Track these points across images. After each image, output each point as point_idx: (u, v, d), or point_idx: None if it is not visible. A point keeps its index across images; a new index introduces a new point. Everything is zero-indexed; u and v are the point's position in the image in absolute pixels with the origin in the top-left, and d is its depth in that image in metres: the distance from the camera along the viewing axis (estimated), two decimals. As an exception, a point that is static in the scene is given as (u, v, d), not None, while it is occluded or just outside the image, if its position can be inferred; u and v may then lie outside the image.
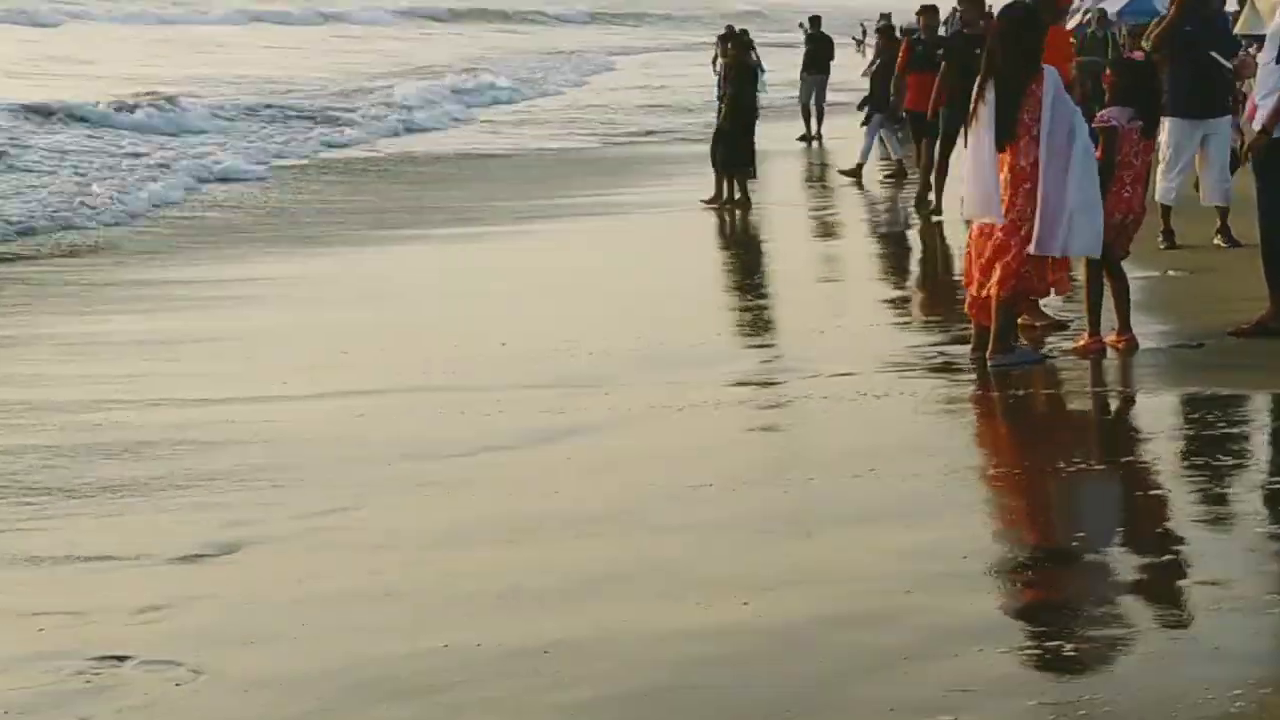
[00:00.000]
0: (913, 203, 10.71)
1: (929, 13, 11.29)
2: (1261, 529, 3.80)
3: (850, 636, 3.21)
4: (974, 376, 5.72)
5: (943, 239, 9.78)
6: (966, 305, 5.89)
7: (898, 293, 8.43)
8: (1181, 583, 3.46)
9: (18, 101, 17.07)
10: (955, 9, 11.29)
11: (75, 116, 16.66)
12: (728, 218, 11.36)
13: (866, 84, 14.21)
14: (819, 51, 16.82)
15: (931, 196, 10.20)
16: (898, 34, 14.02)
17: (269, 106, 20.00)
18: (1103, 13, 15.61)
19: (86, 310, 7.85)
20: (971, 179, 5.66)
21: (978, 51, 9.00)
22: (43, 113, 16.57)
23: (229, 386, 5.83)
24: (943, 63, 9.79)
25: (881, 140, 13.12)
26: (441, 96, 22.93)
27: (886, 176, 13.25)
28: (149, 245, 10.47)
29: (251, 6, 48.62)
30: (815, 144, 16.55)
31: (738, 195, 11.34)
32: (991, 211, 5.53)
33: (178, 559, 3.79)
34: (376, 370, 6.07)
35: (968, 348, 5.90)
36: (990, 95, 5.52)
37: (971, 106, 5.68)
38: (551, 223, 11.28)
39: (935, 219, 10.10)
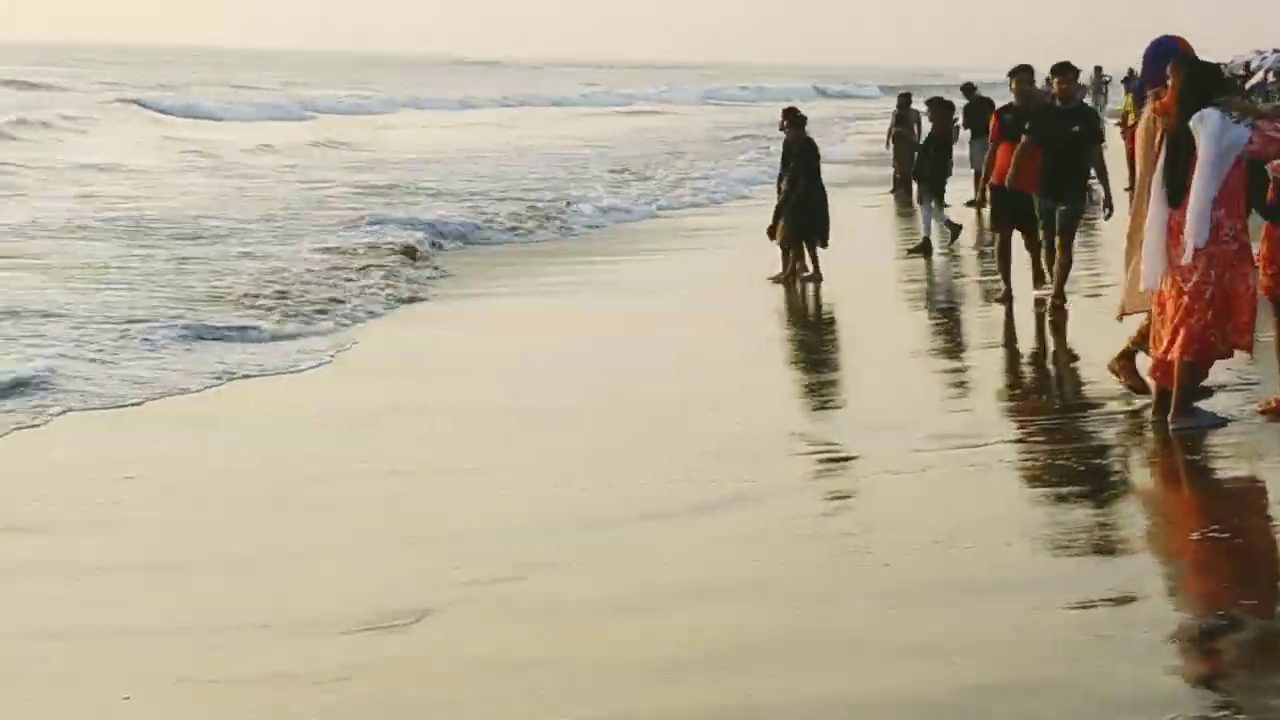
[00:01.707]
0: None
1: (1022, 75, 9.70)
2: None
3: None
4: (1155, 438, 5.71)
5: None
6: (1150, 369, 5.81)
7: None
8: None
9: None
10: (1046, 78, 9.58)
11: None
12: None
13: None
14: (980, 115, 16.16)
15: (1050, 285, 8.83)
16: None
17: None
18: None
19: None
20: (1150, 248, 5.56)
21: (1075, 129, 8.58)
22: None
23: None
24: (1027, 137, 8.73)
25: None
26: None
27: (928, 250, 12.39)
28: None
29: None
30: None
31: (807, 268, 10.84)
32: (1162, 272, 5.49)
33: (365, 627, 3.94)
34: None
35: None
36: (1163, 154, 5.46)
37: (1143, 174, 5.68)
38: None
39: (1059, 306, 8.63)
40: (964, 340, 9.00)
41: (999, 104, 10.75)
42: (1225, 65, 9.10)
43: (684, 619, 3.93)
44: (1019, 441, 5.98)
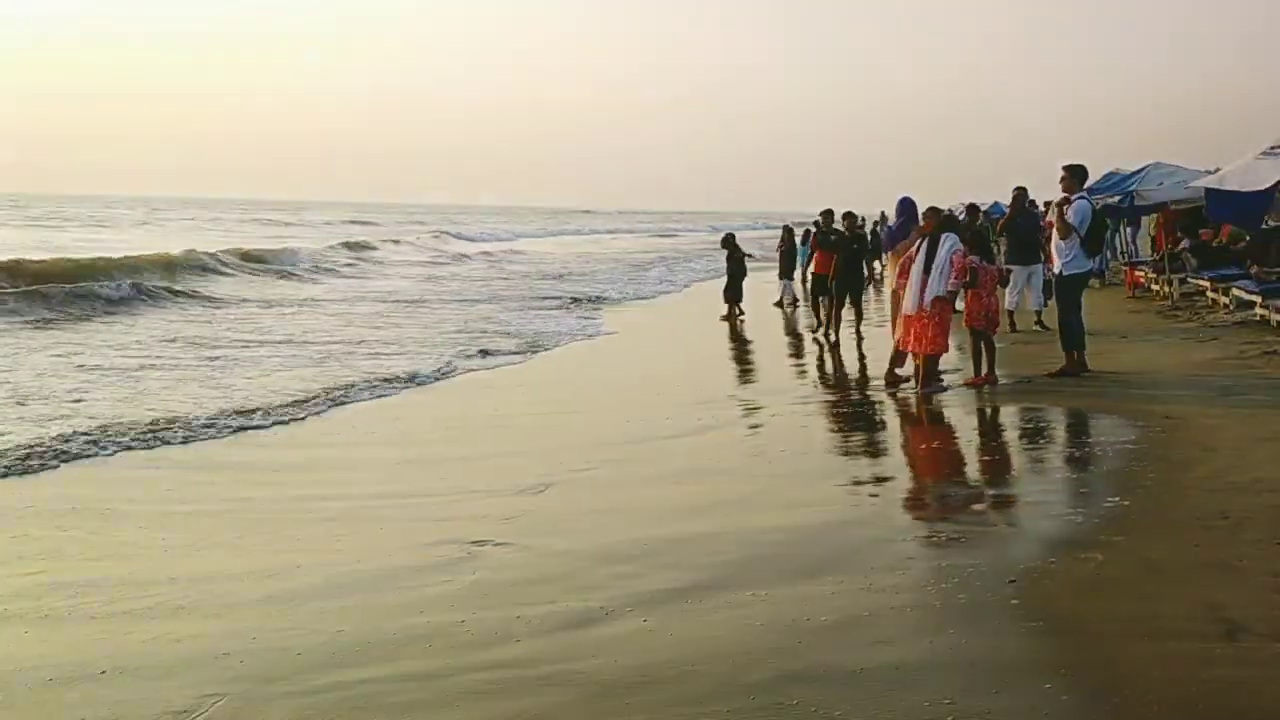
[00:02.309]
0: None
1: (826, 216, 17.87)
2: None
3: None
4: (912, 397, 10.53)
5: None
6: (912, 355, 10.82)
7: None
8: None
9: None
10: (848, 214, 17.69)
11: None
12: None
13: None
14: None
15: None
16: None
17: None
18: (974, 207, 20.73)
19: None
20: (910, 296, 10.65)
21: (855, 246, 16.59)
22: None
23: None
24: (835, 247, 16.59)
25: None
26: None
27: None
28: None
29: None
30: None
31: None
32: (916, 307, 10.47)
33: (515, 493, 7.61)
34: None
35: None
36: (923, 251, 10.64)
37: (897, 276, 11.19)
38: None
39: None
40: (804, 351, 15.40)
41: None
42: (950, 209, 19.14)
43: (687, 487, 7.76)
44: (835, 399, 10.45)
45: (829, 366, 13.78)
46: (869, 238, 24.04)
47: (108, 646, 5.07)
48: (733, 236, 22.07)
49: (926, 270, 10.55)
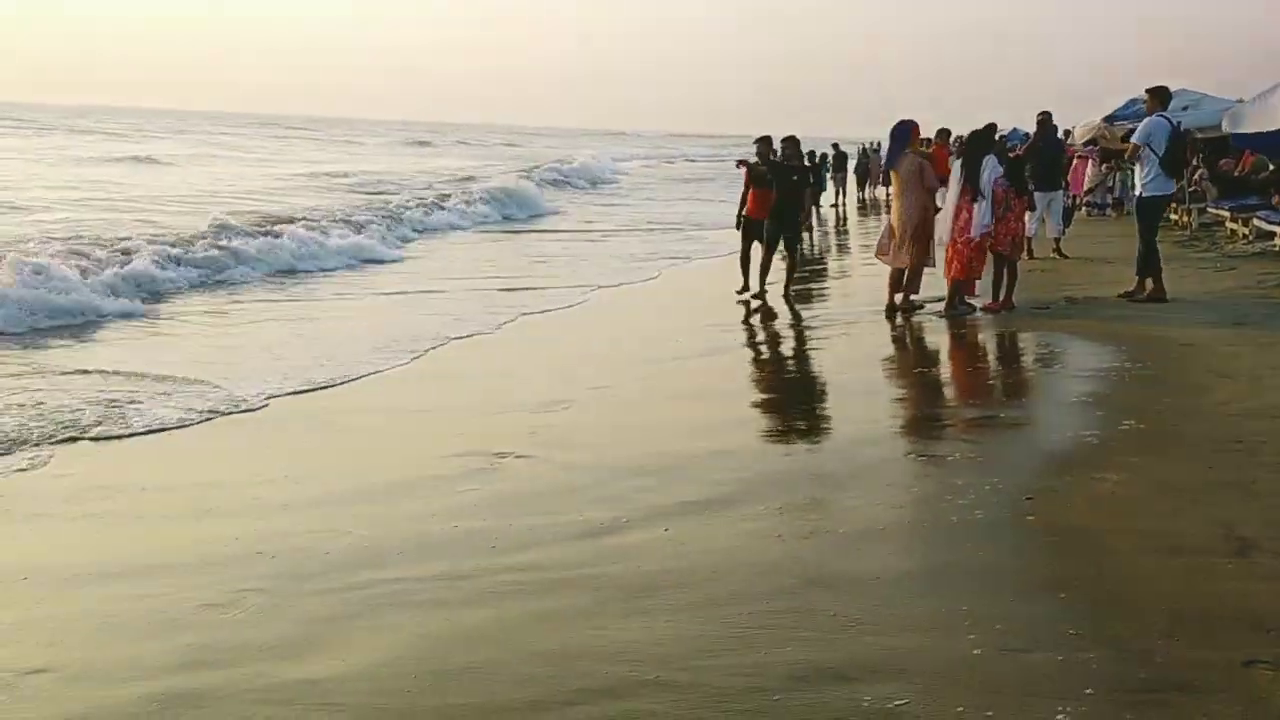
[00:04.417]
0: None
1: (762, 143, 13.62)
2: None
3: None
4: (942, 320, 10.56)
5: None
6: (946, 277, 10.83)
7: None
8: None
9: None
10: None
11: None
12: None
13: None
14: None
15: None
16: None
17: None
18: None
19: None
20: (943, 221, 10.68)
21: (794, 179, 12.84)
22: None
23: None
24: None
25: None
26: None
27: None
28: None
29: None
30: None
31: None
32: (946, 237, 10.45)
33: (540, 408, 7.72)
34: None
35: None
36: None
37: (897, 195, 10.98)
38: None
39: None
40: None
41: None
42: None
43: (702, 407, 7.87)
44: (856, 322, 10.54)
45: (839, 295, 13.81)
46: (816, 169, 22.73)
47: (145, 545, 5.21)
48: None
49: (965, 195, 10.46)
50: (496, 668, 3.78)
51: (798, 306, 12.53)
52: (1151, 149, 10.81)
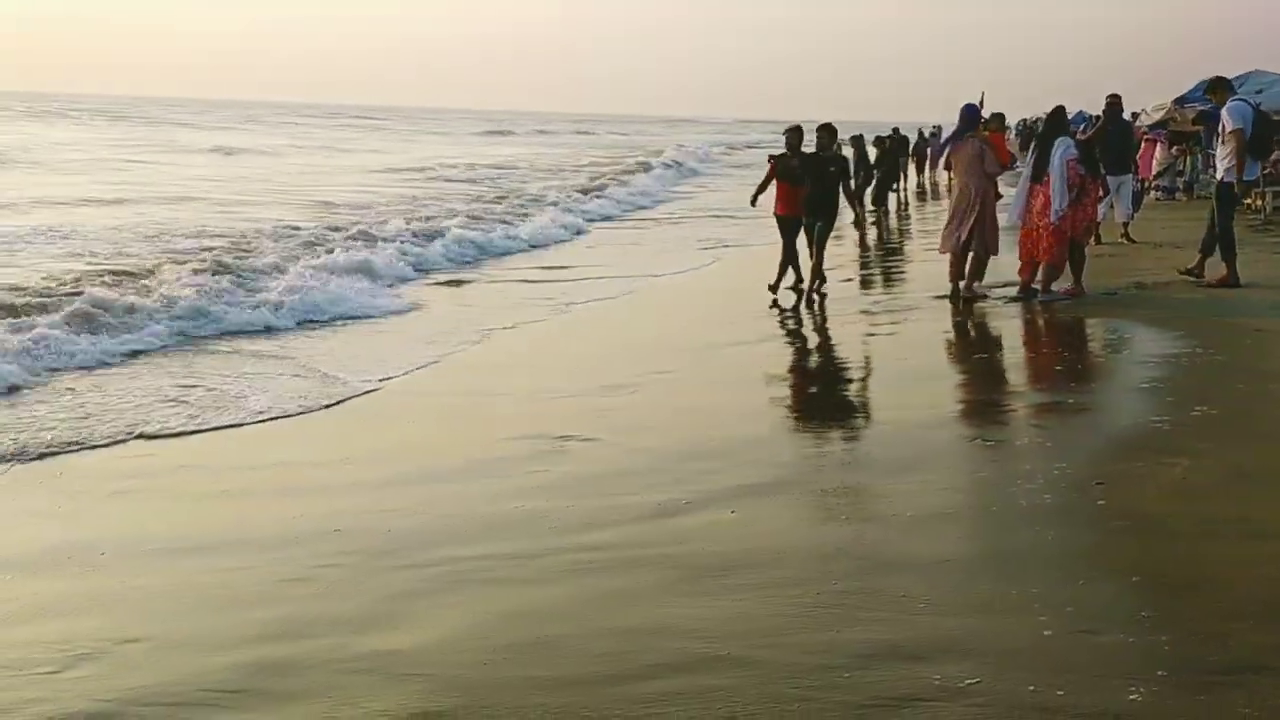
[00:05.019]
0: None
1: (792, 134, 12.64)
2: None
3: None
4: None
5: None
6: (1020, 269, 10.75)
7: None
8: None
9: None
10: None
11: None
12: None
13: None
14: None
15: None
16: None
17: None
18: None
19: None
20: (1016, 200, 10.75)
21: (831, 170, 11.68)
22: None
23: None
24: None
25: None
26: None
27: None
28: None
29: None
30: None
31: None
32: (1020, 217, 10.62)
33: (603, 391, 7.81)
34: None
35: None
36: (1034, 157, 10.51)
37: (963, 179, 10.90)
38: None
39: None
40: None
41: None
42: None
43: (764, 391, 7.99)
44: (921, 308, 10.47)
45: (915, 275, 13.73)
46: (888, 153, 22.65)
47: (229, 522, 5.38)
48: (861, 138, 22.03)
49: (1035, 179, 10.38)
50: (570, 642, 3.87)
51: (861, 292, 12.50)
52: (1242, 131, 10.67)
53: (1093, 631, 3.73)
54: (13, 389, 7.96)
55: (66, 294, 10.97)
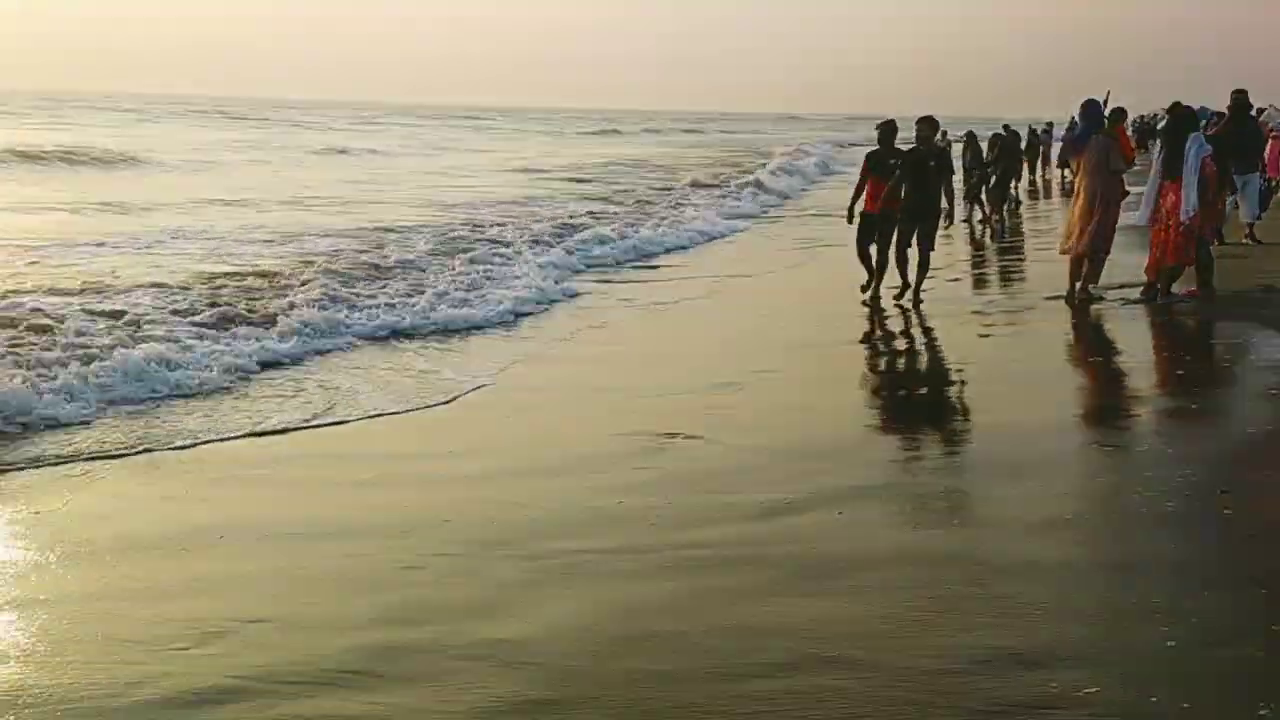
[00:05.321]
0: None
1: (885, 129, 11.77)
2: None
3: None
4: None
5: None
6: (1148, 270, 10.41)
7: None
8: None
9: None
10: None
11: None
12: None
13: None
14: None
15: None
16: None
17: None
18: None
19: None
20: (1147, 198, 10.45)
21: (932, 164, 10.70)
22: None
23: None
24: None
25: None
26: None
27: None
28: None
29: None
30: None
31: None
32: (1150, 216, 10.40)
33: (708, 389, 7.81)
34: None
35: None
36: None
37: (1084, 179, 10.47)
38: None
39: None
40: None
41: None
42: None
43: (871, 391, 7.96)
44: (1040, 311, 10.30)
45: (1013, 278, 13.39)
46: (1009, 151, 20.66)
47: (347, 511, 5.53)
48: (974, 135, 20.69)
49: (1166, 175, 10.06)
50: (679, 638, 3.88)
51: (974, 292, 12.24)
52: None
53: (1220, 644, 3.60)
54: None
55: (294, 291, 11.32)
